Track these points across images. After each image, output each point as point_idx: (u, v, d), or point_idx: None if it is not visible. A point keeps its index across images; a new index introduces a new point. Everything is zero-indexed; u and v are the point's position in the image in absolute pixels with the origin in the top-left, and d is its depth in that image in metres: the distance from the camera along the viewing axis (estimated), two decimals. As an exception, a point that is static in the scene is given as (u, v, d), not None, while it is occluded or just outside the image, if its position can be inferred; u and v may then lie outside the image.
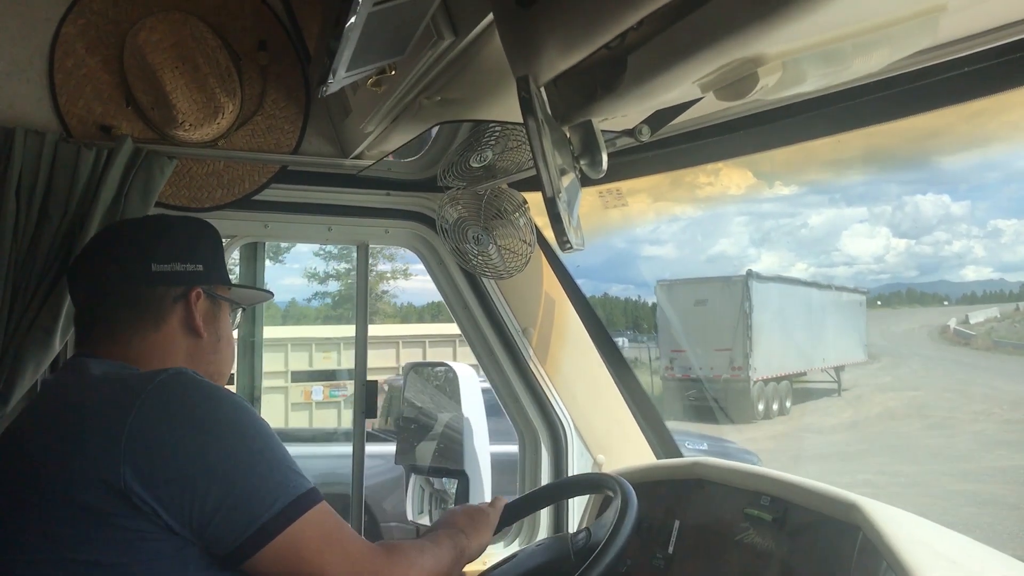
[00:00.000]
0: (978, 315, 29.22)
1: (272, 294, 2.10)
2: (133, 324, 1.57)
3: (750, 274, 20.18)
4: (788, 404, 20.25)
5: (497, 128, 2.33)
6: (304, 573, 1.34)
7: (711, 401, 19.40)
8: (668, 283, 22.04)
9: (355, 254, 2.66)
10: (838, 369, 22.02)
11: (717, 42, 0.77)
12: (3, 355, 2.04)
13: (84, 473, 1.29)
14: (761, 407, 19.32)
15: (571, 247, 1.00)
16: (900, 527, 1.62)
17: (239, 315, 1.83)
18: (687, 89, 0.93)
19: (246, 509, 1.30)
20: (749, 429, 17.03)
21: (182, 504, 1.28)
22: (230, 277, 1.78)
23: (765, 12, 0.69)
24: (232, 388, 1.91)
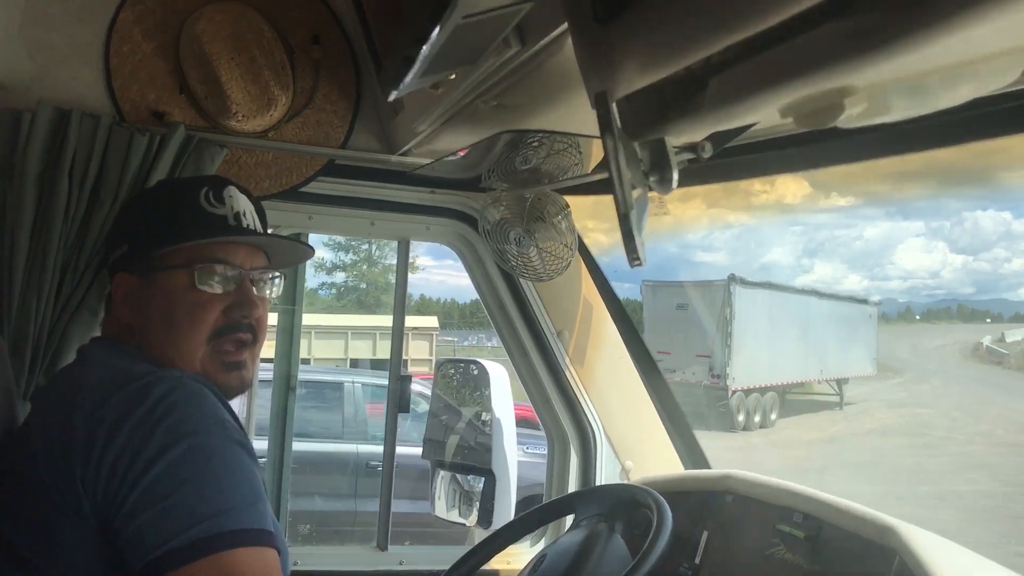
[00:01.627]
0: (1015, 333, 28.53)
1: (312, 251, 1.81)
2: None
3: (732, 279, 19.53)
4: (773, 416, 19.85)
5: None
6: None
7: (692, 407, 18.60)
8: (653, 284, 21.38)
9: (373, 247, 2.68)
10: (840, 382, 21.58)
11: (810, 72, 0.77)
12: (51, 334, 2.07)
13: (50, 465, 1.25)
14: (741, 417, 18.92)
15: (640, 263, 1.01)
16: (938, 553, 1.62)
17: (213, 279, 1.50)
18: (766, 113, 0.93)
19: (163, 526, 1.19)
20: (722, 438, 16.68)
21: (111, 503, 1.21)
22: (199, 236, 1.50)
23: (867, 46, 0.69)
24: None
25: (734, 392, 18.72)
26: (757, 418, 19.29)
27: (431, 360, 22.16)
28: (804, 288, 23.33)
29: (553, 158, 2.39)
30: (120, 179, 2.12)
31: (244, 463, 1.27)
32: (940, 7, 0.60)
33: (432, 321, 23.62)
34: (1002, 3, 0.56)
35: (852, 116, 0.86)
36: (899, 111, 0.86)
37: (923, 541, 1.63)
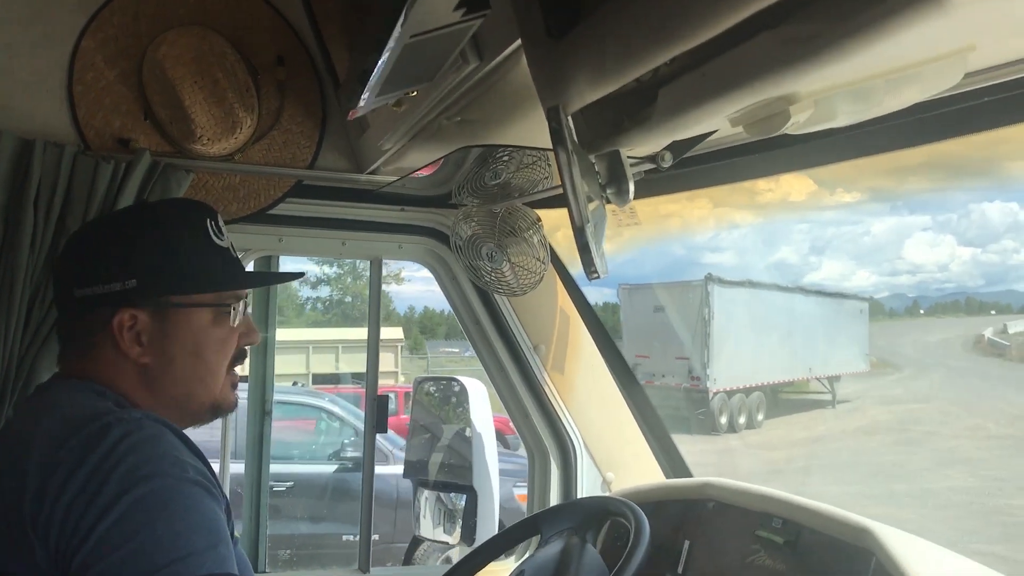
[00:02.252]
0: (1017, 324, 28.00)
1: (301, 274, 1.83)
2: (75, 351, 1.47)
3: (710, 278, 18.87)
4: (760, 417, 19.25)
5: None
6: None
7: (672, 411, 18.08)
8: (630, 288, 20.76)
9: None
10: (832, 380, 20.99)
11: (751, 81, 0.78)
12: (19, 366, 2.05)
13: (1, 510, 1.21)
14: (724, 420, 18.31)
15: (597, 275, 1.01)
16: (913, 553, 1.62)
17: (237, 314, 1.53)
18: (716, 122, 0.94)
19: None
20: (703, 442, 16.24)
21: (65, 552, 1.16)
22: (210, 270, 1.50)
23: (802, 54, 0.70)
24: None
25: (715, 394, 18.25)
26: (742, 419, 18.77)
27: (396, 372, 21.86)
28: (789, 285, 22.50)
29: (523, 172, 2.40)
30: (86, 208, 2.10)
31: (203, 505, 1.22)
32: (867, 17, 0.60)
33: (396, 332, 23.21)
34: (926, 12, 0.57)
35: (799, 123, 0.87)
36: (845, 116, 0.87)
37: (899, 541, 1.64)
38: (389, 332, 22.59)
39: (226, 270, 1.54)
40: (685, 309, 18.97)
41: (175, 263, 1.48)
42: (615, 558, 1.82)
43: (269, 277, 1.66)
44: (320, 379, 19.69)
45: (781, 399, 20.64)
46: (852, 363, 22.00)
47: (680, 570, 2.13)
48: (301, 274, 1.84)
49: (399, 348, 22.80)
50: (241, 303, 1.54)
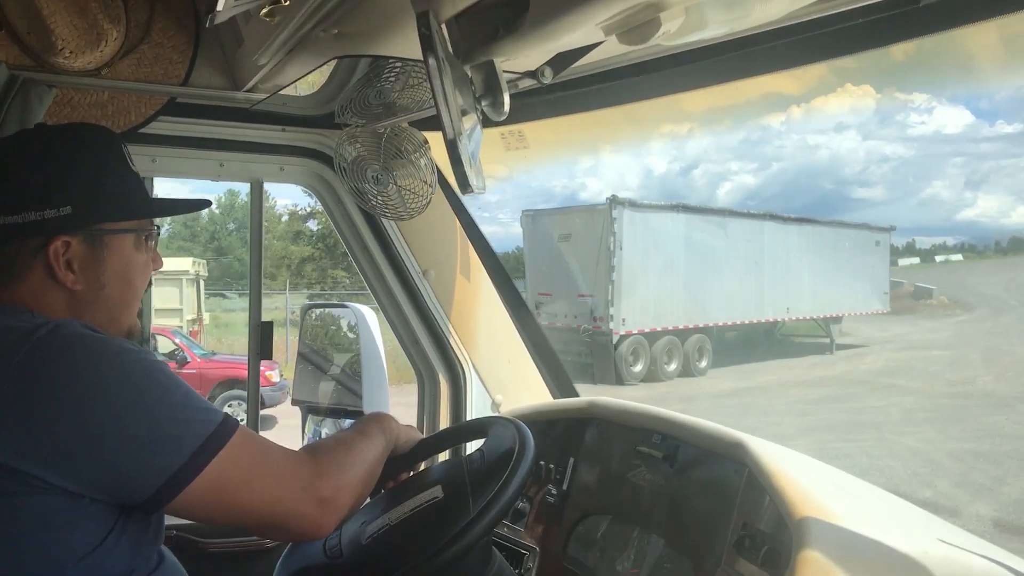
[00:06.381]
0: None
1: (208, 203, 1.78)
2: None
3: (616, 200, 16.36)
4: (703, 363, 17.13)
5: (397, 64, 2.27)
6: (231, 507, 1.33)
7: (575, 356, 15.96)
8: (533, 214, 18.66)
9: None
10: (828, 321, 18.71)
11: (620, -16, 0.76)
12: None
13: None
14: (639, 367, 16.32)
15: (472, 190, 0.99)
16: (784, 463, 1.69)
17: (154, 240, 1.57)
18: (590, 32, 0.93)
19: (152, 462, 1.24)
20: (607, 393, 14.98)
21: (79, 472, 1.21)
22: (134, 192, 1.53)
23: (669, -44, 0.69)
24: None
25: (623, 337, 16.19)
26: (672, 366, 16.84)
27: (181, 310, 19.81)
28: (757, 212, 19.29)
29: (408, 92, 2.34)
30: (-63, 123, 1.96)
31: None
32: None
33: (184, 264, 20.59)
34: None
35: (671, 32, 0.86)
36: (716, 25, 0.86)
37: (769, 453, 1.70)
38: (174, 263, 20.02)
39: (144, 196, 1.58)
40: (590, 238, 16.76)
41: (107, 189, 1.48)
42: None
43: (179, 204, 1.63)
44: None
45: (792, 341, 18.43)
46: (859, 303, 19.47)
47: (565, 487, 2.18)
48: (208, 203, 1.80)
49: (183, 280, 20.11)
50: (155, 231, 1.58)
